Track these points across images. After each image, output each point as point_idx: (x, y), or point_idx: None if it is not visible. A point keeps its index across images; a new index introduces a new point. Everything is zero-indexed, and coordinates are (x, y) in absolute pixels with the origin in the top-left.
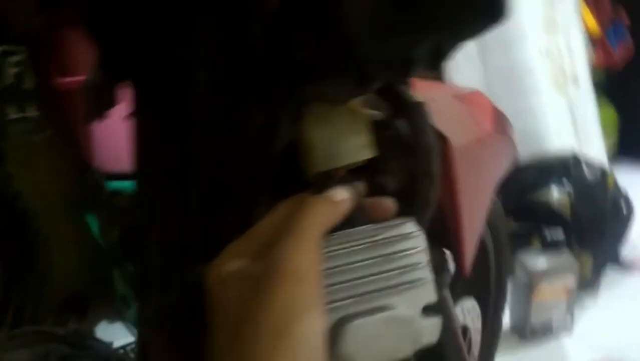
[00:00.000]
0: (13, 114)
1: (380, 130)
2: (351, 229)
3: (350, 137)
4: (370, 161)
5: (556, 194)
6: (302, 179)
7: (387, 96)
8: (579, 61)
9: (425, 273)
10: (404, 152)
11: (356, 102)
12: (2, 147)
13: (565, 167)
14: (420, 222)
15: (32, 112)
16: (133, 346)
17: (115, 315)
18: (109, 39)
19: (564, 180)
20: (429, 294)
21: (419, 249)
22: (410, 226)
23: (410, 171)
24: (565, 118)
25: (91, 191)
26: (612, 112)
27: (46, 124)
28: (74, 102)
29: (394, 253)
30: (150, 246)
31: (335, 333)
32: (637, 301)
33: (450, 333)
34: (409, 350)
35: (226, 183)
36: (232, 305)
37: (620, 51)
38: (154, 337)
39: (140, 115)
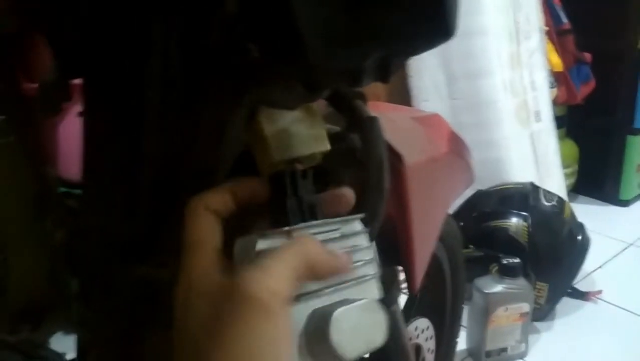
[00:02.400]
0: None
1: (333, 142)
2: (311, 222)
3: (303, 128)
4: (321, 172)
5: (515, 222)
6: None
7: (341, 109)
8: (542, 96)
9: (374, 270)
10: (356, 165)
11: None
12: None
13: (525, 196)
14: (369, 235)
15: None
16: None
17: (70, 327)
18: (60, 34)
19: (523, 209)
20: (376, 291)
21: (367, 246)
22: (359, 224)
23: (360, 184)
24: (527, 151)
25: (48, 198)
26: (573, 147)
27: (10, 129)
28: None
29: (349, 247)
30: (94, 246)
31: (318, 324)
32: (589, 330)
33: (399, 347)
34: (380, 339)
35: (174, 183)
36: (196, 329)
37: (583, 90)
38: (94, 342)
39: (91, 112)
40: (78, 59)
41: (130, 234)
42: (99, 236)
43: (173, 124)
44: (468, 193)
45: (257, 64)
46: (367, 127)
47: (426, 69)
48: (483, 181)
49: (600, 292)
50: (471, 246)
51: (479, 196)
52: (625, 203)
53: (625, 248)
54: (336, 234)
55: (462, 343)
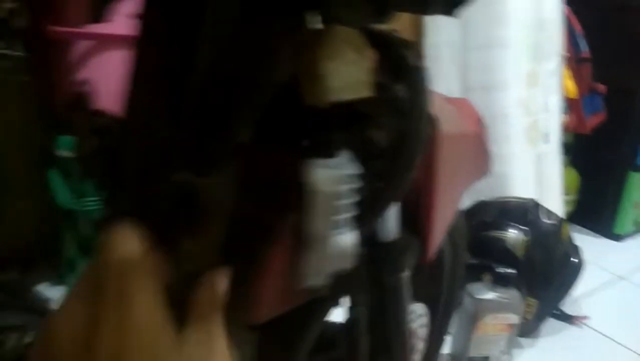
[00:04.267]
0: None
1: (379, 90)
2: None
3: (354, 71)
4: (363, 114)
5: (513, 235)
6: (297, 109)
7: (389, 57)
8: (553, 119)
9: None
10: (398, 114)
11: (363, 41)
12: None
13: (525, 211)
14: (401, 182)
15: (16, 52)
16: None
17: (58, 279)
18: None
19: (522, 223)
20: None
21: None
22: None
23: (400, 131)
24: (531, 170)
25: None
26: (575, 176)
27: (27, 68)
28: (60, 52)
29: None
30: (131, 152)
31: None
32: (571, 352)
33: (401, 320)
34: None
35: (222, 94)
36: None
37: (592, 120)
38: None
39: (146, 20)
40: None
41: (173, 139)
42: (138, 141)
43: (231, 35)
44: (469, 202)
45: None
46: (413, 77)
47: (443, 78)
48: (484, 193)
49: (586, 318)
50: (468, 253)
51: (480, 205)
52: (618, 238)
53: (615, 281)
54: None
55: (446, 346)
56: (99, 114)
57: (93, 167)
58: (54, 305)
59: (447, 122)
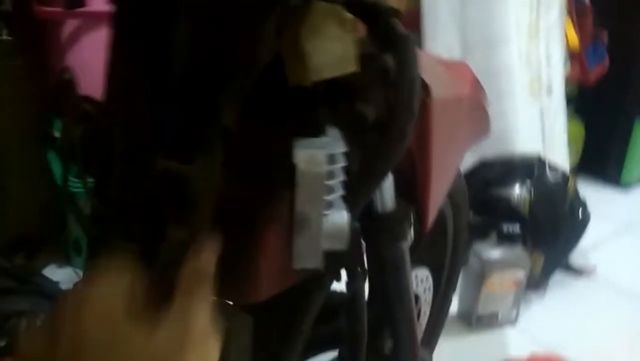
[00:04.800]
0: None
1: (366, 61)
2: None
3: (338, 47)
4: (351, 88)
5: (517, 191)
6: (277, 92)
7: (377, 28)
8: (555, 71)
9: None
10: (386, 86)
11: (346, 14)
12: None
13: (529, 167)
14: (393, 155)
15: (4, 36)
16: None
17: (65, 260)
18: None
19: (527, 179)
20: None
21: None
22: None
23: (389, 104)
24: (535, 124)
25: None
26: (579, 127)
27: (18, 51)
28: (49, 32)
29: None
30: (117, 139)
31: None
32: (580, 304)
33: (403, 288)
34: None
35: (205, 78)
36: None
37: (596, 70)
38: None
39: (122, 5)
40: None
41: (155, 126)
42: (122, 129)
43: (208, 16)
44: (472, 160)
45: None
46: (402, 45)
47: (441, 34)
48: (488, 150)
49: (593, 269)
50: (471, 212)
51: (483, 164)
52: (626, 187)
53: (622, 230)
54: None
55: (453, 306)
56: (85, 100)
57: (78, 153)
58: (63, 287)
59: (441, 86)
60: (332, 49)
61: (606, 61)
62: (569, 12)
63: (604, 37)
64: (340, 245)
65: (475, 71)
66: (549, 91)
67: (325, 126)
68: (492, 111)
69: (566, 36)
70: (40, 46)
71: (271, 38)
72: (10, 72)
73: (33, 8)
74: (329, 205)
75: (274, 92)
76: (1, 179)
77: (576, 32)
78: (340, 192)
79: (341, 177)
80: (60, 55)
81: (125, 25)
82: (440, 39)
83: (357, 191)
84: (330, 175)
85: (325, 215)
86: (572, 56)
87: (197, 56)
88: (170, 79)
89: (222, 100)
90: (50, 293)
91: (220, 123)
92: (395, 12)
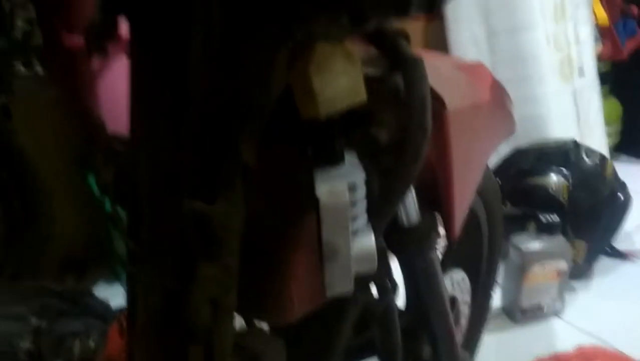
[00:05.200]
0: (20, 71)
1: (376, 84)
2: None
3: (346, 81)
4: (364, 113)
5: (554, 179)
6: (295, 122)
7: (385, 49)
8: (586, 51)
9: None
10: (398, 106)
11: (349, 44)
12: (8, 103)
13: (565, 153)
14: (411, 174)
15: (39, 70)
16: None
17: (113, 276)
18: None
19: (563, 166)
20: None
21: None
22: None
23: (403, 125)
24: (569, 107)
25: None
26: (616, 105)
27: (52, 83)
28: (80, 60)
29: None
30: (142, 181)
31: None
32: (627, 290)
33: (437, 296)
34: None
35: (222, 121)
36: None
37: (629, 45)
38: (143, 274)
39: (137, 52)
40: None
41: (179, 168)
42: (148, 171)
43: (219, 63)
44: (506, 150)
45: None
46: (410, 66)
47: (465, 23)
48: (522, 139)
49: (639, 252)
50: (508, 203)
51: (518, 153)
52: None
53: None
54: None
55: (496, 300)
56: (114, 139)
57: (112, 194)
58: (112, 304)
59: (457, 95)
60: (341, 83)
61: (638, 35)
62: None
63: (634, 10)
64: (370, 268)
65: (502, 58)
66: (581, 72)
67: (343, 154)
68: (523, 97)
69: (594, 13)
70: (72, 75)
71: (283, 72)
72: (48, 103)
73: (62, 38)
74: (355, 231)
75: (289, 120)
76: (47, 204)
77: (604, 8)
78: (364, 217)
79: (364, 203)
80: (90, 85)
81: (141, 66)
82: (465, 28)
83: (380, 213)
84: (353, 203)
85: (351, 242)
86: (603, 33)
87: (212, 97)
88: (188, 121)
89: (239, 138)
90: (101, 312)
91: (239, 160)
92: (402, 33)
